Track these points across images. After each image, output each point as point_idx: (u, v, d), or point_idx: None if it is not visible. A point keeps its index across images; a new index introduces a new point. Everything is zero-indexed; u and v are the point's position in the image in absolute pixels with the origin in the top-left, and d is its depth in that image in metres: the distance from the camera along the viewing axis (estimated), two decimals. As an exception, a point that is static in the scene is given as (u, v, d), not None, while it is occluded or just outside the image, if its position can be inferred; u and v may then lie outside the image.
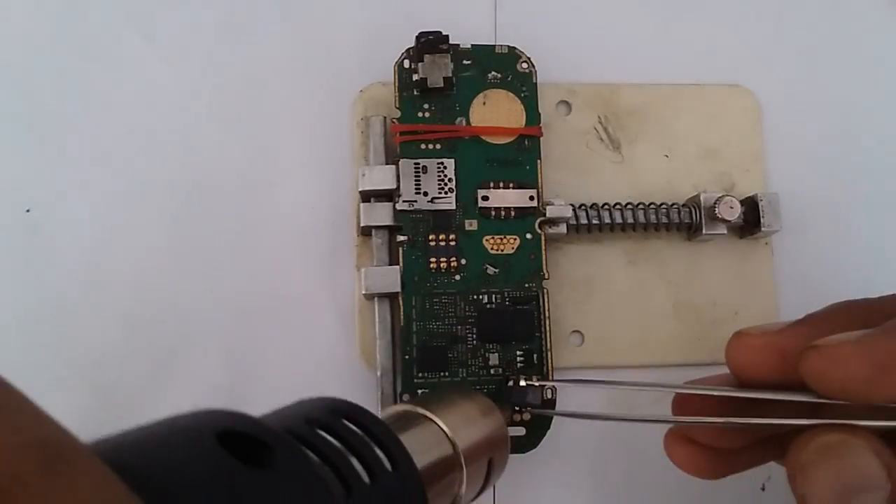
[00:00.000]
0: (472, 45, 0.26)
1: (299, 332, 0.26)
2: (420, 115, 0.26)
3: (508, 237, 0.25)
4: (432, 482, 0.16)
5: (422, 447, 0.17)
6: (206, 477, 0.10)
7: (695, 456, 0.21)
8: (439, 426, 0.18)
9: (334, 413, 0.15)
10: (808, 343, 0.18)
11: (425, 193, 0.25)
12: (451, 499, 0.17)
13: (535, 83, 0.26)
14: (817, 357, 0.17)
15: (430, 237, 0.25)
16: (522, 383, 0.23)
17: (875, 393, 0.17)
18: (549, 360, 0.25)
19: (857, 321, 0.18)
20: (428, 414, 0.18)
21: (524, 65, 0.27)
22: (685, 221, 0.27)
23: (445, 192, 0.25)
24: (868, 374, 0.16)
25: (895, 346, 0.17)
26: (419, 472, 0.15)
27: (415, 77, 0.26)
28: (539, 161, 0.26)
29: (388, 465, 0.15)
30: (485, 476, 0.19)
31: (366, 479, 0.14)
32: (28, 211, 0.26)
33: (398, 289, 0.25)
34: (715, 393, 0.20)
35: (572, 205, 0.26)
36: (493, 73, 0.26)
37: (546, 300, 0.25)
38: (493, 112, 0.26)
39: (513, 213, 0.26)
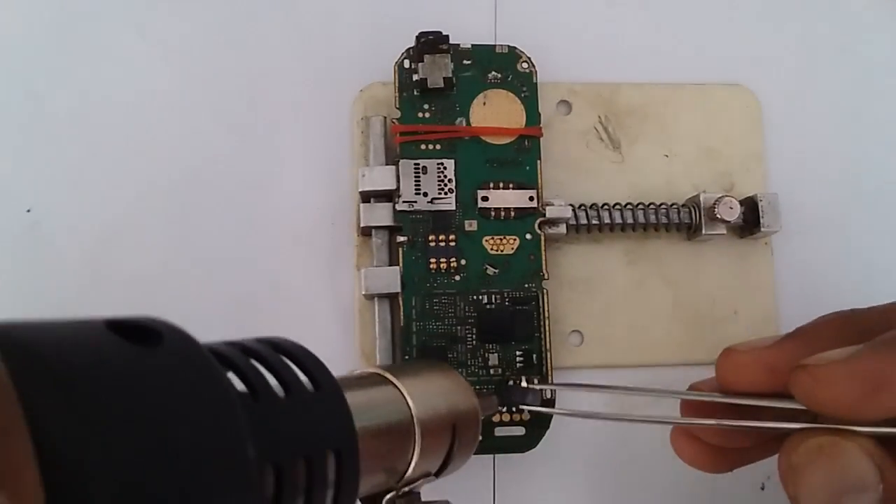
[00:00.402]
0: (473, 45, 0.26)
1: (299, 331, 0.26)
2: (420, 115, 0.26)
3: (508, 237, 0.25)
4: (379, 442, 0.16)
5: (373, 405, 0.17)
6: (77, 339, 0.10)
7: (701, 453, 0.21)
8: (399, 390, 0.17)
9: (273, 347, 0.15)
10: (797, 359, 0.17)
11: (425, 194, 0.25)
12: (404, 467, 0.17)
13: (536, 83, 0.26)
14: (806, 377, 0.17)
15: (430, 237, 0.25)
16: (523, 384, 0.23)
17: (864, 413, 0.17)
18: (549, 361, 0.25)
19: (847, 334, 0.18)
20: (391, 377, 0.18)
21: (524, 65, 0.27)
22: (685, 221, 0.27)
23: (445, 193, 0.25)
24: (856, 395, 0.16)
25: (883, 366, 0.16)
26: (346, 403, 0.15)
27: (415, 77, 0.26)
28: (539, 161, 0.26)
29: (309, 387, 0.14)
30: (445, 454, 0.18)
31: (280, 394, 0.14)
32: (29, 211, 0.26)
33: (398, 289, 0.25)
34: (716, 399, 0.20)
35: (572, 205, 0.26)
36: (493, 73, 0.26)
37: (546, 300, 0.25)
38: (494, 112, 0.26)
39: (512, 214, 0.26)
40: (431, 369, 0.20)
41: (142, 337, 0.11)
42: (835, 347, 0.17)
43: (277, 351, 0.15)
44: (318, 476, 0.14)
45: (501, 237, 0.25)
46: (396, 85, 0.26)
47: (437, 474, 0.18)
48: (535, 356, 0.25)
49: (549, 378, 0.25)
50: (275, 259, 0.26)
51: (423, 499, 0.18)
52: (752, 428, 0.19)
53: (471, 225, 0.25)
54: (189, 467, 0.10)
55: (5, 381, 0.09)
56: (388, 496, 0.17)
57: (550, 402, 0.25)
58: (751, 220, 0.27)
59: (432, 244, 0.25)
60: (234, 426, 0.12)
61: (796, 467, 0.17)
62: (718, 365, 0.20)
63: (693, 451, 0.21)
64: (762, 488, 0.27)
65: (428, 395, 0.18)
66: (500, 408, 0.24)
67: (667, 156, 0.28)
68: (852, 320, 0.19)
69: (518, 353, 0.25)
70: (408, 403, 0.17)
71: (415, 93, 0.26)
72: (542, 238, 0.26)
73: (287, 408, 0.14)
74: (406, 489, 0.17)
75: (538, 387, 0.24)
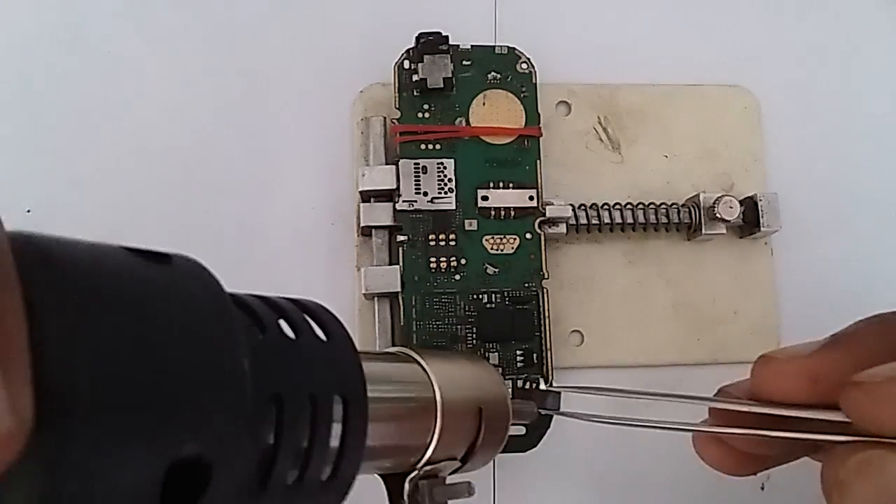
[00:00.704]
0: (472, 46, 0.26)
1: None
2: (420, 115, 0.26)
3: (508, 237, 0.25)
4: (397, 414, 0.16)
5: (393, 377, 0.16)
6: (85, 244, 0.11)
7: (727, 455, 0.20)
8: (423, 367, 0.17)
9: (290, 300, 0.15)
10: (844, 368, 0.16)
11: (425, 193, 0.25)
12: (425, 445, 0.17)
13: (535, 83, 0.27)
14: (861, 396, 0.16)
15: (430, 237, 0.25)
16: (543, 387, 0.23)
17: None
18: (549, 360, 0.25)
19: (893, 339, 0.17)
20: (415, 355, 0.17)
21: (524, 65, 0.27)
22: (685, 221, 0.27)
23: (445, 193, 0.25)
24: None
25: None
26: (357, 355, 0.15)
27: (415, 77, 0.26)
28: (539, 161, 0.26)
29: (321, 335, 0.14)
30: (471, 439, 0.18)
31: (290, 335, 0.14)
32: (29, 211, 0.26)
33: (398, 288, 0.25)
34: (754, 410, 0.18)
35: (572, 205, 0.26)
36: (492, 73, 0.26)
37: (546, 300, 0.25)
38: (493, 112, 0.26)
39: (512, 213, 0.26)
40: (459, 354, 0.19)
41: (152, 256, 0.12)
42: (881, 355, 0.16)
43: (294, 304, 0.15)
44: (323, 419, 0.13)
45: (501, 237, 0.25)
46: (396, 85, 0.26)
47: (464, 461, 0.18)
48: (535, 356, 0.25)
49: (550, 378, 0.25)
50: (275, 259, 0.26)
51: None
52: (793, 439, 0.18)
53: (471, 224, 0.25)
54: (179, 367, 0.11)
55: (8, 266, 0.09)
56: (411, 475, 0.16)
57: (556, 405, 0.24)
58: (751, 220, 0.27)
59: (432, 244, 0.25)
60: (231, 339, 0.11)
61: (843, 482, 0.16)
62: (756, 372, 0.19)
63: (719, 454, 0.20)
64: (762, 489, 0.27)
65: (452, 375, 0.17)
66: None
67: (666, 156, 0.28)
68: (894, 323, 0.18)
69: (518, 352, 0.25)
70: (430, 379, 0.17)
71: (414, 93, 0.26)
72: (542, 238, 0.26)
73: (294, 346, 0.13)
74: (429, 468, 0.17)
75: (563, 389, 0.23)
